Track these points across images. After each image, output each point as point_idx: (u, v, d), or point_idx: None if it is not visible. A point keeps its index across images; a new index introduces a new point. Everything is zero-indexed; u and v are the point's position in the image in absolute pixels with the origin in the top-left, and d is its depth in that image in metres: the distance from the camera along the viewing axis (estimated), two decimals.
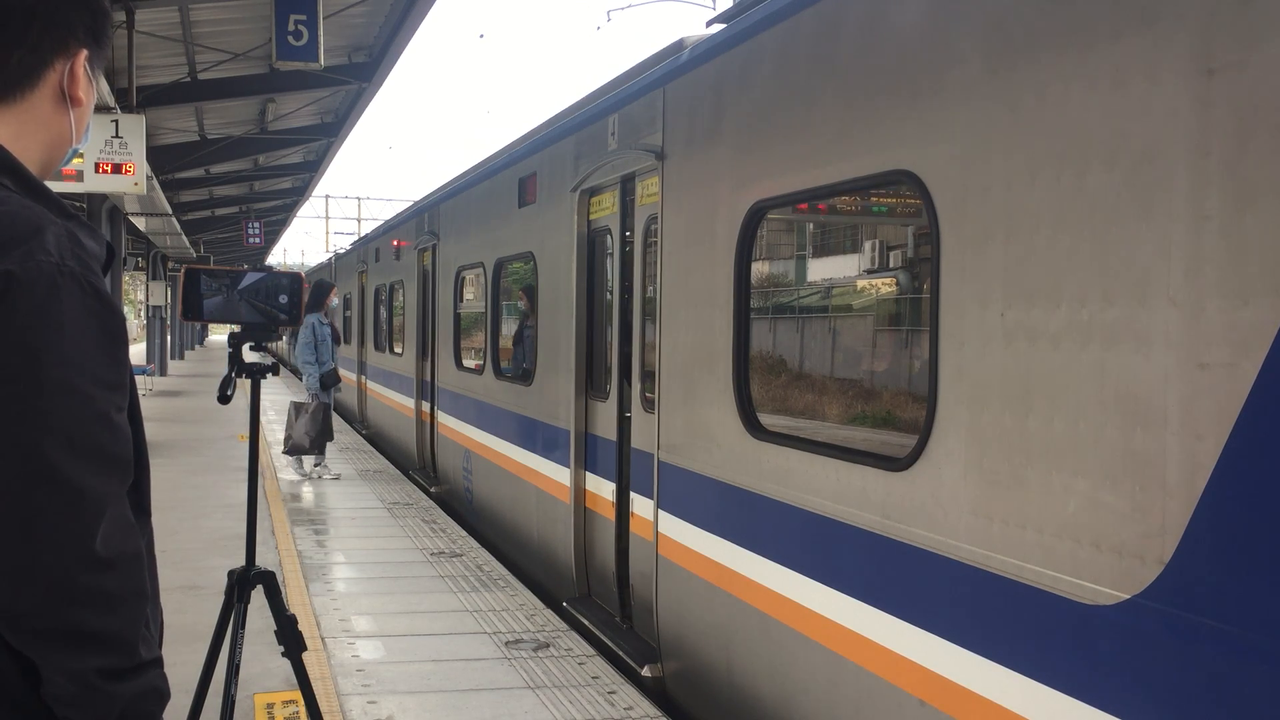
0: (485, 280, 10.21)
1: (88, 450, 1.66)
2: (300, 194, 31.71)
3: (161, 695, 1.75)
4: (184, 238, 31.10)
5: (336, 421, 19.67)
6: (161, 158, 18.29)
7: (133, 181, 11.95)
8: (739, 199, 5.15)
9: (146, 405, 21.71)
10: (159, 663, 1.77)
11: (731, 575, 5.22)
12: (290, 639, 4.14)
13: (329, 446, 13.08)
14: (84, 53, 1.90)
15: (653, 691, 6.01)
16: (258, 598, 4.18)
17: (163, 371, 32.09)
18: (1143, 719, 2.95)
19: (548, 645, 6.48)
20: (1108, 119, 3.08)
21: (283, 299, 4.18)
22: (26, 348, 1.63)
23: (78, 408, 1.66)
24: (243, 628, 4.13)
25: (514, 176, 9.17)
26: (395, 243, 15.50)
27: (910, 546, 3.88)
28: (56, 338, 1.65)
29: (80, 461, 1.65)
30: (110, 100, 12.39)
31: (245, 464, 4.50)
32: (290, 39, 11.28)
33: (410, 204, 17.87)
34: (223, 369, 4.32)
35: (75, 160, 11.73)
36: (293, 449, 12.54)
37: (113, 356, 1.72)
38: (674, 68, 6.00)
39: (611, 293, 7.32)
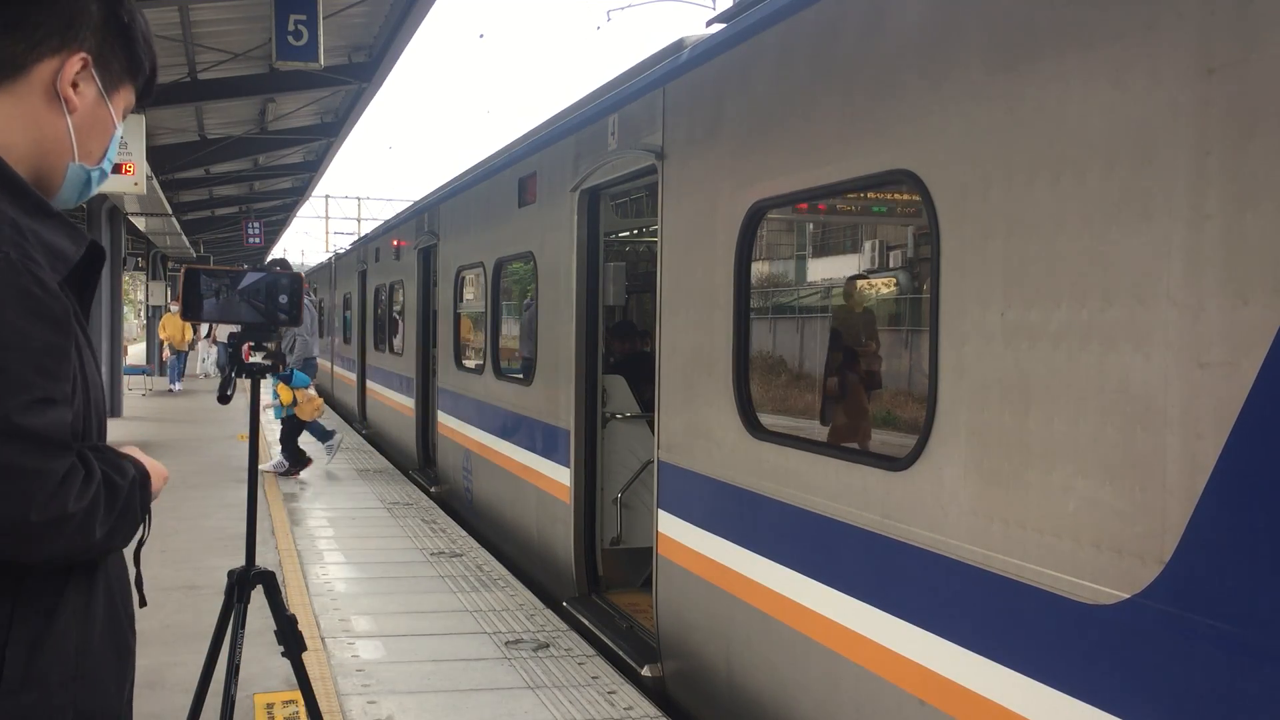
0: (485, 280, 10.20)
1: (20, 434, 1.66)
2: (300, 194, 31.67)
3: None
4: (184, 238, 31.08)
5: (336, 421, 19.70)
6: (161, 158, 18.26)
7: (133, 181, 11.96)
8: (739, 199, 5.15)
9: (145, 405, 21.76)
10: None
11: (731, 575, 5.21)
12: (290, 639, 4.14)
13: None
14: (84, 55, 1.85)
15: (653, 691, 6.01)
16: (258, 598, 4.18)
17: (161, 371, 32.04)
18: (1142, 718, 2.95)
19: (547, 645, 6.47)
20: (1107, 118, 3.08)
21: (283, 299, 4.17)
22: None
23: (8, 391, 1.65)
24: (243, 628, 4.13)
25: (514, 176, 9.17)
26: (395, 242, 15.49)
27: (910, 546, 3.88)
28: None
29: (12, 445, 1.65)
30: None
31: (245, 464, 4.50)
32: (290, 39, 11.26)
33: (410, 204, 17.86)
34: None
35: None
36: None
37: (49, 343, 1.71)
38: (674, 67, 6.00)
39: None
